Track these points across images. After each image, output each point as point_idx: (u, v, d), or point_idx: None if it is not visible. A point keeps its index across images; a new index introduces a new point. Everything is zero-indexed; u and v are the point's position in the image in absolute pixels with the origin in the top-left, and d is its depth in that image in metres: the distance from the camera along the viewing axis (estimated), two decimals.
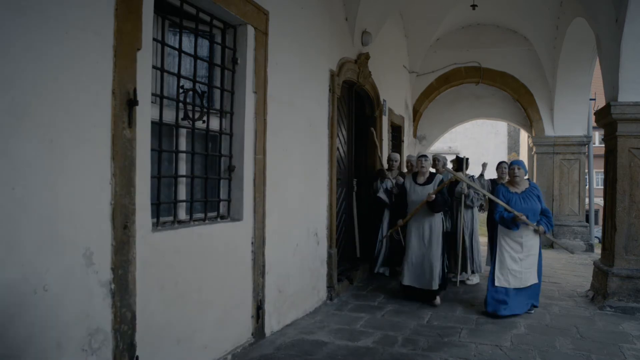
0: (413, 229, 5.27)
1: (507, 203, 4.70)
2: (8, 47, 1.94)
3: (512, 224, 4.65)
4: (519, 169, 4.87)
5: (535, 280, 4.85)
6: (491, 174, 6.90)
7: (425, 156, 5.37)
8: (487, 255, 5.80)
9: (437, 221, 5.22)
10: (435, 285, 5.06)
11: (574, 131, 9.66)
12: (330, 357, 3.64)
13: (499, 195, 4.83)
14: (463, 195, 5.98)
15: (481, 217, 7.00)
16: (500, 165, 6.29)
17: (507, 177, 5.51)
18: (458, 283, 6.06)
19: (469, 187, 6.19)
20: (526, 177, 4.98)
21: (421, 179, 5.32)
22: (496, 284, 4.73)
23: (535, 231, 4.71)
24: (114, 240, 2.44)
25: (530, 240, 4.77)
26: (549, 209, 4.91)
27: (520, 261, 4.74)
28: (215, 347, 3.34)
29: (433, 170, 5.83)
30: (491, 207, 5.34)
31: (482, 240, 6.79)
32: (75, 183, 2.24)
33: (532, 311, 4.88)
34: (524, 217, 4.59)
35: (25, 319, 2.02)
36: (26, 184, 2.02)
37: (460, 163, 6.30)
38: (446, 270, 5.40)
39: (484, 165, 7.24)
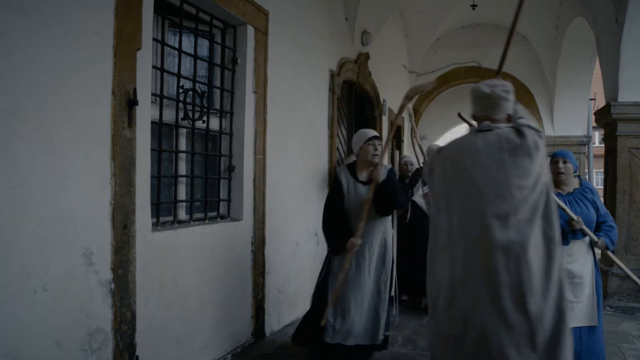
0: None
1: None
2: (8, 48, 1.94)
3: (567, 234, 2.96)
4: (564, 162, 3.16)
5: (595, 322, 2.99)
6: None
7: (377, 137, 3.26)
8: None
9: (388, 237, 3.30)
10: (381, 337, 3.24)
11: (574, 131, 9.66)
12: None
13: None
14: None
15: None
16: None
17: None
18: None
19: None
20: (576, 173, 3.30)
21: (364, 174, 3.26)
22: None
23: (594, 245, 3.09)
24: (114, 240, 2.44)
25: (581, 265, 3.05)
26: (611, 217, 3.23)
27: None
28: (215, 347, 3.34)
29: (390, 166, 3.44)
30: None
31: None
32: (75, 183, 2.24)
33: None
34: (582, 223, 2.98)
35: (25, 318, 2.03)
36: (26, 184, 2.02)
37: None
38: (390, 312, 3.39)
39: None
